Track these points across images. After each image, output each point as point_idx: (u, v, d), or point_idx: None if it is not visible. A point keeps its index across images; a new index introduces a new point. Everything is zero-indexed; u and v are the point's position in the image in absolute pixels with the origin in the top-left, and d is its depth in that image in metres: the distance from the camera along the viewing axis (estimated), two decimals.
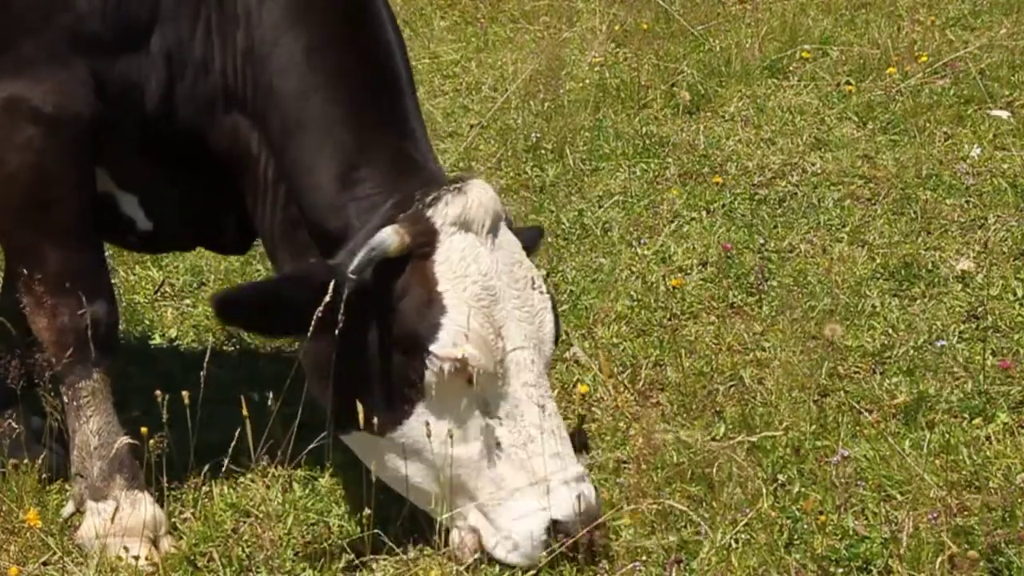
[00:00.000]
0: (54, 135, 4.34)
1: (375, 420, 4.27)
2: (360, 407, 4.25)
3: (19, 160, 4.35)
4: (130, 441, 4.47)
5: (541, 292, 4.41)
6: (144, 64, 4.42)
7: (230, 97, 4.50)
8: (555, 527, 4.27)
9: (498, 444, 4.30)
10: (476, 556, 4.34)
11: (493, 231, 4.35)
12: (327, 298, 4.15)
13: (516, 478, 4.28)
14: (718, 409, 5.31)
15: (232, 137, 4.52)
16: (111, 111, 4.41)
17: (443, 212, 4.26)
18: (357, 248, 4.24)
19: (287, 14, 4.43)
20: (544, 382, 4.37)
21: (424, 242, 4.25)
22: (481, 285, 4.26)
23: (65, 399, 4.50)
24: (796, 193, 7.39)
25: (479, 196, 4.30)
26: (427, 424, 4.28)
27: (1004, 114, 7.74)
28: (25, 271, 4.42)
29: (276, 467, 4.67)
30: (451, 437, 4.27)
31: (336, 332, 4.17)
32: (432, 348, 4.20)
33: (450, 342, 4.20)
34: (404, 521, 4.53)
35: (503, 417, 4.30)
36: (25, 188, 4.37)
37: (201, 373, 4.50)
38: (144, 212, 4.67)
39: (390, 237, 4.20)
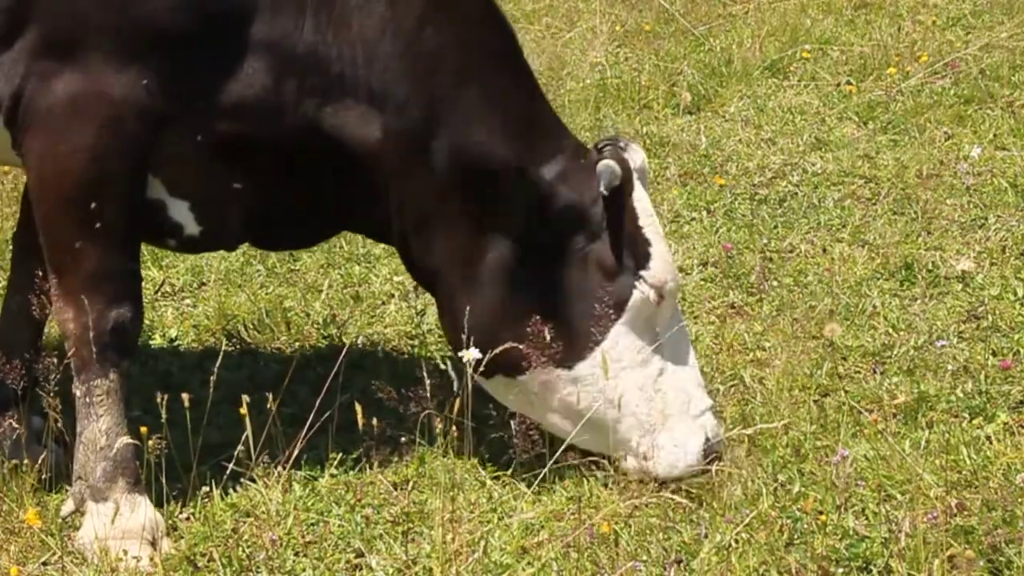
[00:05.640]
0: (116, 134, 4.29)
1: (556, 352, 4.60)
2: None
3: (77, 156, 4.30)
4: (132, 442, 4.47)
5: None
6: (236, 61, 4.36)
7: (348, 87, 4.49)
8: (707, 447, 4.77)
9: (663, 370, 4.79)
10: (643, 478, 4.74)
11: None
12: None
13: (678, 403, 4.77)
14: (718, 409, 5.30)
15: (351, 127, 4.52)
16: (185, 110, 4.35)
17: (633, 158, 4.74)
18: (574, 180, 4.69)
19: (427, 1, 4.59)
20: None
21: (627, 179, 4.70)
22: (660, 225, 4.82)
23: (78, 395, 4.48)
24: (796, 193, 7.39)
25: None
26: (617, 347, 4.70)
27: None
28: (60, 264, 4.39)
29: (276, 467, 4.68)
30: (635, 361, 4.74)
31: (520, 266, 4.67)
32: (643, 273, 4.70)
33: (658, 269, 4.72)
34: (404, 521, 4.53)
35: (667, 343, 4.80)
36: (78, 184, 4.33)
37: (211, 378, 4.55)
38: (195, 217, 4.59)
39: (616, 170, 4.64)
